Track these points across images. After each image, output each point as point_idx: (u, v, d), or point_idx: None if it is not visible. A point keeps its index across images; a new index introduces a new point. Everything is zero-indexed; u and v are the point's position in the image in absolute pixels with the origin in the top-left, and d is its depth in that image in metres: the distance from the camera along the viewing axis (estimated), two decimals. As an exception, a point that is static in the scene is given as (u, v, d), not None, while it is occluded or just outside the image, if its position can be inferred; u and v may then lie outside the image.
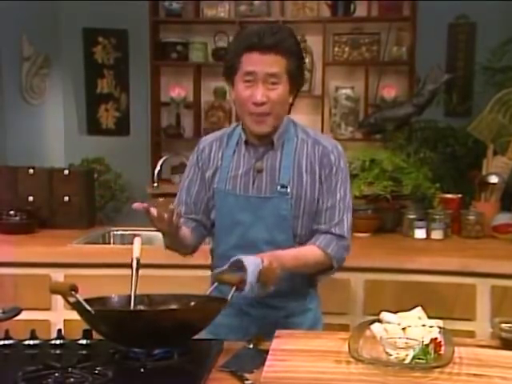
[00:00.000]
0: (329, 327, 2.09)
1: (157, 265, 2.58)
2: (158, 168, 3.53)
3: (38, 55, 5.17)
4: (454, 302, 2.59)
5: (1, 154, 4.59)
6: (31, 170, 3.20)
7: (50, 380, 1.40)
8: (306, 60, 5.24)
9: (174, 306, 1.70)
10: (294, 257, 1.84)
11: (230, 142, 1.96)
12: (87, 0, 5.38)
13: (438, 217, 3.04)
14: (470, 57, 5.24)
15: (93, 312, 1.50)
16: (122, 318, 1.53)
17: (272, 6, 5.40)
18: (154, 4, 5.41)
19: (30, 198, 3.17)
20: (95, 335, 1.65)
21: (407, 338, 1.52)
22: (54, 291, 1.56)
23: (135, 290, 1.69)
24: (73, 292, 1.49)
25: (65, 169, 3.28)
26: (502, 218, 3.08)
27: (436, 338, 1.51)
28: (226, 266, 1.70)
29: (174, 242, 1.87)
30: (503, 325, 1.69)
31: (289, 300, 1.95)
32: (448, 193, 3.26)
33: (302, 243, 1.89)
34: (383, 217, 3.16)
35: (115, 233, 3.27)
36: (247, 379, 1.46)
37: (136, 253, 1.73)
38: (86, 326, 1.64)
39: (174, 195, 2.05)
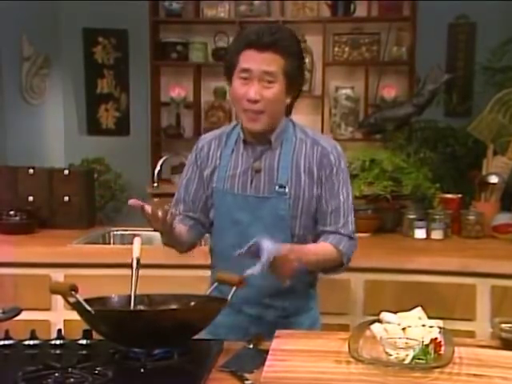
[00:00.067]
0: (329, 327, 2.09)
1: (157, 265, 2.58)
2: (158, 168, 3.53)
3: (38, 55, 5.17)
4: (454, 302, 2.59)
5: (1, 154, 4.59)
6: (31, 170, 3.20)
7: (49, 380, 1.40)
8: (306, 60, 5.25)
9: (173, 306, 1.70)
10: (315, 252, 1.86)
11: (228, 140, 1.96)
12: (87, 0, 5.39)
13: (438, 217, 3.04)
14: (470, 57, 5.24)
15: (93, 312, 1.50)
16: (121, 318, 1.53)
17: (272, 6, 5.40)
18: (154, 4, 5.41)
19: (30, 198, 3.17)
20: (95, 335, 1.65)
21: (407, 338, 1.51)
22: (54, 291, 1.56)
23: (135, 290, 1.69)
24: (73, 292, 1.49)
25: (65, 169, 3.27)
26: (502, 218, 3.08)
27: (436, 338, 1.51)
28: (245, 248, 1.69)
29: (170, 240, 1.89)
30: (503, 325, 1.69)
31: (287, 300, 1.95)
32: (448, 193, 3.26)
33: (299, 243, 1.89)
34: (383, 217, 3.16)
35: (115, 233, 3.27)
36: (247, 379, 1.46)
37: (136, 253, 1.73)
38: (86, 326, 1.64)
39: (174, 195, 2.06)
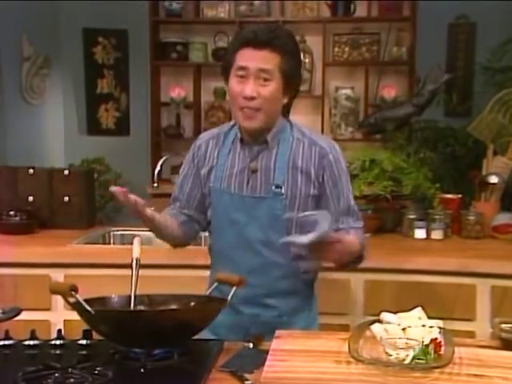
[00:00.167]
0: (329, 327, 2.09)
1: (157, 265, 2.58)
2: (158, 168, 3.53)
3: (38, 55, 5.17)
4: (454, 303, 2.59)
5: (1, 154, 4.59)
6: (31, 170, 3.20)
7: (49, 380, 1.40)
8: (306, 60, 5.27)
9: (173, 306, 1.70)
10: (354, 245, 1.86)
11: (226, 140, 1.96)
12: (87, 0, 5.39)
13: (438, 217, 3.04)
14: (470, 57, 5.24)
15: (93, 312, 1.50)
16: (122, 318, 1.54)
17: (272, 6, 5.40)
18: (154, 4, 5.41)
19: (30, 198, 3.17)
20: (95, 335, 1.65)
21: (407, 339, 1.51)
22: (54, 291, 1.56)
23: (135, 290, 1.69)
24: (73, 292, 1.49)
25: (65, 169, 3.27)
26: (502, 218, 3.08)
27: (436, 339, 1.51)
28: (300, 215, 1.68)
29: (154, 231, 1.94)
30: (503, 325, 1.69)
31: (286, 300, 1.95)
32: (448, 193, 3.26)
33: None
34: (383, 217, 3.16)
35: (115, 233, 3.26)
36: (247, 379, 1.46)
37: (136, 253, 1.73)
38: (86, 326, 1.64)
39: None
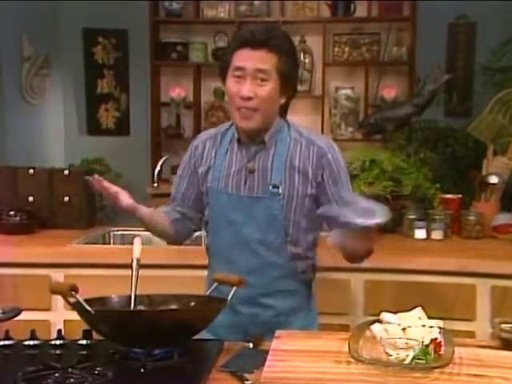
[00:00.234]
0: (329, 327, 2.09)
1: (157, 265, 2.58)
2: (158, 168, 3.53)
3: (38, 55, 5.17)
4: (454, 303, 2.59)
5: (1, 154, 4.59)
6: (31, 170, 3.20)
7: (49, 380, 1.40)
8: (306, 60, 5.27)
9: (174, 306, 1.70)
10: None
11: (223, 140, 1.97)
12: (87, 0, 5.39)
13: (438, 217, 3.03)
14: (470, 57, 5.24)
15: (93, 312, 1.50)
16: (122, 318, 1.54)
17: (272, 6, 5.40)
18: (154, 4, 5.41)
19: (30, 198, 3.16)
20: (95, 335, 1.65)
21: (407, 339, 1.51)
22: (54, 291, 1.56)
23: (135, 291, 1.69)
24: (73, 292, 1.49)
25: (65, 169, 3.27)
26: (502, 218, 3.08)
27: (436, 339, 1.51)
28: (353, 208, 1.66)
29: (145, 227, 2.01)
30: (503, 325, 1.69)
31: (283, 299, 1.95)
32: (448, 193, 3.26)
33: (293, 242, 1.90)
34: (383, 217, 3.15)
35: (115, 233, 3.26)
36: (247, 379, 1.46)
37: (136, 253, 1.74)
38: (86, 326, 1.64)
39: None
